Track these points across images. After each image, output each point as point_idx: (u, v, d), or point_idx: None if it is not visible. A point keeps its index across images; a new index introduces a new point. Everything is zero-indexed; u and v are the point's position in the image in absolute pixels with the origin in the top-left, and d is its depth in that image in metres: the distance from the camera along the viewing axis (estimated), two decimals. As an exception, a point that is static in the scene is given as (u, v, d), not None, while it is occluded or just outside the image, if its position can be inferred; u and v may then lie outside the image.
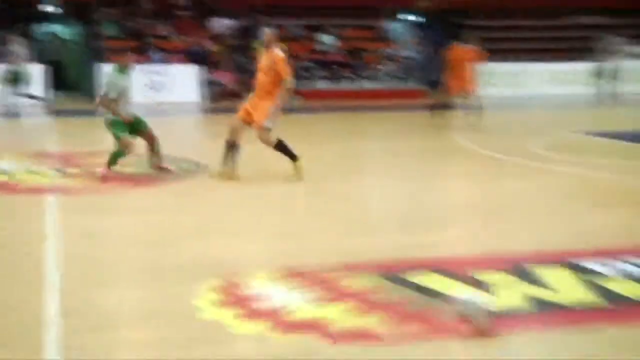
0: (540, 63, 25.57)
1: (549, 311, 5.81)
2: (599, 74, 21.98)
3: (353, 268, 6.69)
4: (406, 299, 5.98)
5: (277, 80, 10.87)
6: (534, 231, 8.29)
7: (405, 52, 26.13)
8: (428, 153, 14.21)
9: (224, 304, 5.86)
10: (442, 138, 16.51)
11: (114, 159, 11.04)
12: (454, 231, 8.39)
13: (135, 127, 11.18)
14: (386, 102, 22.54)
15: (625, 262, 6.98)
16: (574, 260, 6.99)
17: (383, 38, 26.95)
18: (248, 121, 10.96)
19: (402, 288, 6.21)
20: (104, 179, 10.92)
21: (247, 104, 11.05)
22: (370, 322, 5.51)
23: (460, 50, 16.42)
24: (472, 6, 26.63)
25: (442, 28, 26.18)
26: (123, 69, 11.09)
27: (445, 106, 17.01)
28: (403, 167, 12.35)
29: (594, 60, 22.31)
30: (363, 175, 11.68)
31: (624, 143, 15.07)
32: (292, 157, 11.02)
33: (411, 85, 25.53)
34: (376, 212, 9.62)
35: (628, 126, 17.72)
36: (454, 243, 7.84)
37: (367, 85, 24.47)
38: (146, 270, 6.82)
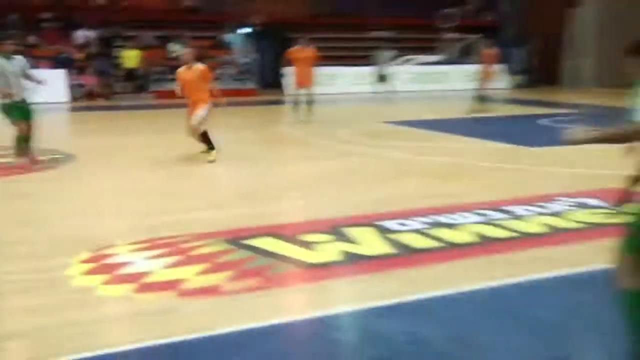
0: (346, 67, 26.72)
1: (358, 261, 6.05)
2: (379, 77, 22.99)
3: (203, 237, 6.72)
4: (247, 259, 6.08)
5: (205, 88, 11.27)
6: (346, 200, 8.51)
7: (242, 59, 26.47)
8: (265, 141, 14.29)
9: (92, 272, 5.78)
10: (276, 129, 16.77)
11: (19, 143, 10.55)
12: (284, 203, 8.55)
13: (26, 113, 10.59)
14: (228, 100, 22.39)
15: (414, 220, 7.32)
16: (377, 221, 7.28)
17: (224, 47, 27.16)
18: None
19: (243, 251, 6.30)
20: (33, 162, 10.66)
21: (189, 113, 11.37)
22: (217, 279, 5.58)
23: (302, 51, 16.54)
24: (294, 21, 27.41)
25: (271, 39, 26.84)
26: (7, 56, 10.26)
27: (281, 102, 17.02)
28: (245, 153, 12.38)
29: (375, 65, 23.47)
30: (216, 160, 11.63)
31: (414, 129, 15.57)
32: (211, 146, 11.31)
33: (248, 85, 25.92)
34: (222, 190, 9.66)
35: (414, 116, 18.44)
36: (285, 213, 8.00)
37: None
38: (22, 246, 6.58)
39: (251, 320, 4.73)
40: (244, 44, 27.33)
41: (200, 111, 11.23)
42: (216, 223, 7.28)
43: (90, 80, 23.26)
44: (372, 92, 22.70)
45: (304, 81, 16.34)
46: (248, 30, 27.40)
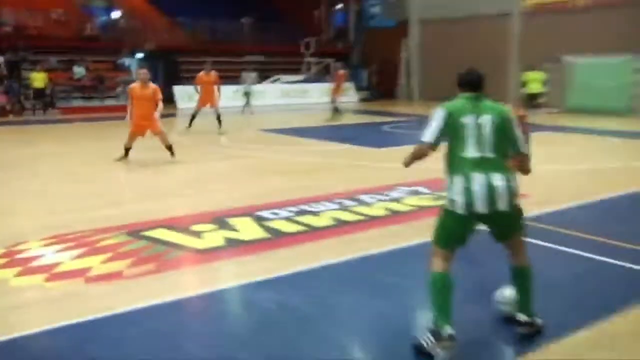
0: (225, 85, 26.32)
1: (238, 246, 6.01)
2: (244, 94, 22.78)
3: (106, 231, 6.46)
4: (144, 248, 5.92)
5: (155, 103, 11.01)
6: (229, 195, 8.42)
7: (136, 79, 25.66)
8: (160, 148, 13.81)
9: (6, 266, 5.42)
10: (169, 137, 16.22)
11: None
12: (176, 200, 8.33)
13: None
14: (124, 114, 21.72)
15: (284, 209, 7.36)
16: (254, 212, 7.26)
17: (122, 69, 26.31)
18: (143, 133, 11.23)
19: (141, 241, 6.12)
20: None
21: (138, 124, 11.10)
22: (119, 266, 5.40)
23: (206, 75, 15.85)
24: (181, 48, 27.06)
25: (162, 62, 26.18)
26: None
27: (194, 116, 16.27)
28: (142, 159, 11.95)
29: (242, 84, 23.32)
30: (113, 165, 11.16)
31: (283, 135, 15.55)
32: (171, 151, 11.18)
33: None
34: (123, 190, 9.26)
35: (283, 125, 18.30)
36: (177, 208, 7.80)
37: (110, 102, 23.83)
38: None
39: (149, 299, 4.61)
40: (139, 66, 26.64)
41: (158, 120, 11.09)
42: (117, 218, 7.00)
43: (1, 99, 21.90)
44: (241, 106, 22.51)
45: (209, 100, 15.85)
46: (142, 54, 26.73)
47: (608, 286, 5.02)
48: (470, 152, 3.80)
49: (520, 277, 4.02)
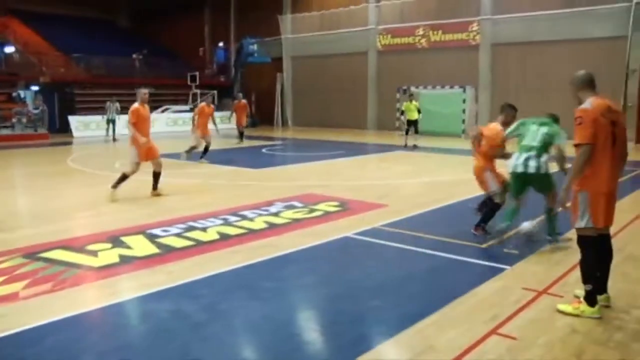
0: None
1: (132, 262, 5.76)
2: (107, 121, 21.51)
3: (1, 255, 5.95)
4: (41, 269, 5.51)
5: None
6: (122, 216, 8.02)
7: (33, 110, 23.94)
8: (56, 174, 13.00)
9: None
10: (65, 164, 15.28)
11: None
12: (72, 221, 7.83)
13: None
14: (21, 143, 20.48)
15: (174, 227, 7.14)
16: (146, 230, 6.99)
17: (17, 101, 24.54)
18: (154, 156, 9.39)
19: (38, 262, 5.69)
20: None
21: (150, 146, 9.25)
22: (15, 287, 4.99)
23: (208, 107, 14.35)
24: (76, 81, 25.69)
25: (57, 94, 24.73)
26: None
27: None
28: (40, 184, 11.17)
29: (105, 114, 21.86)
30: (11, 190, 10.33)
31: (172, 160, 14.80)
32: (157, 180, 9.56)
33: (40, 130, 23.35)
34: (20, 214, 8.56)
35: (172, 150, 17.88)
36: (73, 229, 7.35)
37: (5, 132, 22.22)
38: None
39: (47, 317, 4.30)
40: (34, 98, 24.97)
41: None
42: (12, 242, 6.46)
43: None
44: (105, 135, 21.49)
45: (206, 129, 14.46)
46: (37, 87, 25.08)
47: (449, 276, 5.30)
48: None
49: (549, 212, 6.11)
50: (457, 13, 23.32)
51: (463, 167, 13.88)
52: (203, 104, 14.43)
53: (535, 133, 6.01)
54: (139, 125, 9.11)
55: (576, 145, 4.12)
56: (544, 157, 5.95)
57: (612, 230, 4.50)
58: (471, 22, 23.04)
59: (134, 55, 28.89)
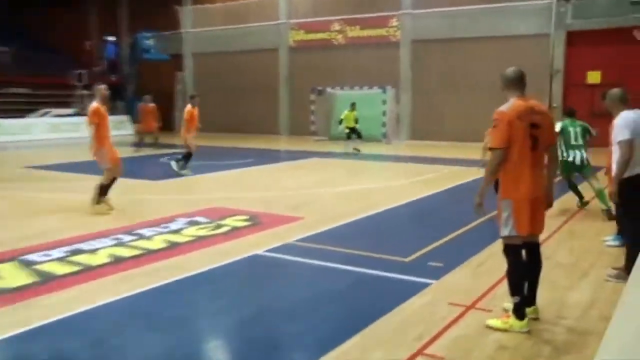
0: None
1: (3, 294, 5.38)
2: None
3: None
4: None
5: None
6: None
7: None
8: None
9: None
10: None
11: None
12: None
13: None
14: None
15: (57, 250, 6.82)
16: (21, 256, 6.60)
17: None
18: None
19: None
20: None
21: (114, 151, 9.29)
22: None
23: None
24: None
25: None
26: None
27: None
28: None
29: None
30: None
31: (53, 172, 14.46)
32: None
33: None
34: None
35: (52, 161, 17.06)
36: None
37: None
38: None
39: None
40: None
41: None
42: None
43: None
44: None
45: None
46: None
47: (371, 293, 5.37)
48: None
49: (597, 190, 8.68)
50: (376, 7, 23.95)
51: (383, 174, 14.46)
52: (189, 106, 13.83)
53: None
54: (102, 126, 8.90)
55: (490, 149, 4.32)
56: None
57: (540, 237, 4.71)
58: (391, 17, 23.76)
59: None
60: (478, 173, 10.95)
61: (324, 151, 19.65)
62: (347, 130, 18.96)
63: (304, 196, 10.54)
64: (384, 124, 23.35)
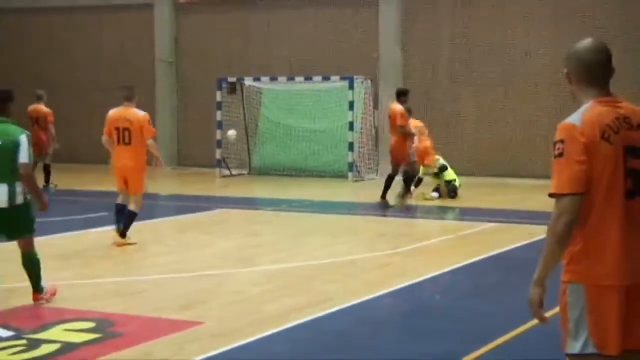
0: None
1: None
2: None
3: None
4: None
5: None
6: None
7: None
8: None
9: None
10: None
11: None
12: None
13: None
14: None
15: None
16: None
17: None
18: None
19: None
20: None
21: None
22: None
23: None
24: None
25: None
26: None
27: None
28: None
29: None
30: None
31: None
32: None
33: None
34: None
35: None
36: None
37: None
38: None
39: None
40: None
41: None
42: None
43: None
44: None
45: None
46: None
47: None
48: None
49: None
50: None
51: (350, 237, 14.41)
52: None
53: None
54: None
55: (552, 196, 4.23)
56: None
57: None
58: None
59: None
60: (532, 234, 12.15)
61: (243, 196, 19.23)
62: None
63: (203, 281, 10.54)
64: (350, 146, 22.75)
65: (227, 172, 23.91)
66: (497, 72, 22.33)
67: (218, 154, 23.92)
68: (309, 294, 9.61)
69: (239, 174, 23.92)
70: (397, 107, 16.02)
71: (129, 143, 13.08)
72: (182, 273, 10.94)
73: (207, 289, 10.02)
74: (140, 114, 12.50)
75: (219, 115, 24.16)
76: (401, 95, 16.56)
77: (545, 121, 20.33)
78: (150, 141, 13.10)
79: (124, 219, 12.63)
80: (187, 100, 26.07)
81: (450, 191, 17.88)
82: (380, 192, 16.74)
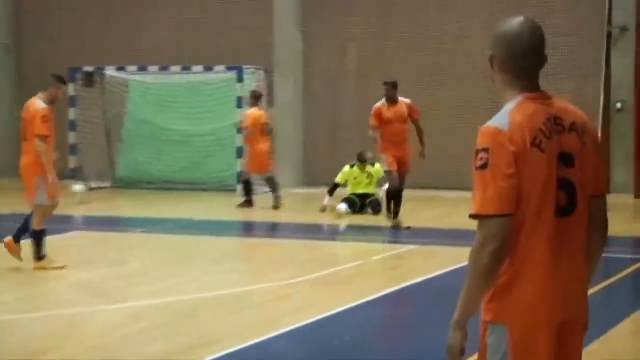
0: None
1: None
2: None
3: None
4: None
5: None
6: None
7: None
8: None
9: None
10: None
11: None
12: None
13: None
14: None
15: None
16: None
17: None
18: None
19: None
20: None
21: None
22: None
23: None
24: None
25: None
26: None
27: None
28: None
29: None
30: None
31: None
32: None
33: None
34: None
35: None
36: None
37: None
38: None
39: None
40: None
41: None
42: None
43: None
44: None
45: None
46: None
47: None
48: None
49: None
50: None
51: (239, 264, 13.83)
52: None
53: None
54: (51, 138, 11.77)
55: (473, 217, 4.23)
56: None
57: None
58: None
59: None
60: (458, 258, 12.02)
61: (105, 215, 18.94)
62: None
63: (58, 323, 10.35)
64: (239, 152, 22.88)
65: (82, 185, 23.56)
66: (421, 62, 22.30)
67: (72, 162, 23.57)
68: (189, 336, 9.55)
69: (99, 187, 23.55)
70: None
71: None
72: (27, 313, 10.82)
73: (60, 332, 9.87)
74: None
75: (72, 114, 23.73)
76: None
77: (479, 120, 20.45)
78: None
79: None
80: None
81: (375, 205, 17.91)
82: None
